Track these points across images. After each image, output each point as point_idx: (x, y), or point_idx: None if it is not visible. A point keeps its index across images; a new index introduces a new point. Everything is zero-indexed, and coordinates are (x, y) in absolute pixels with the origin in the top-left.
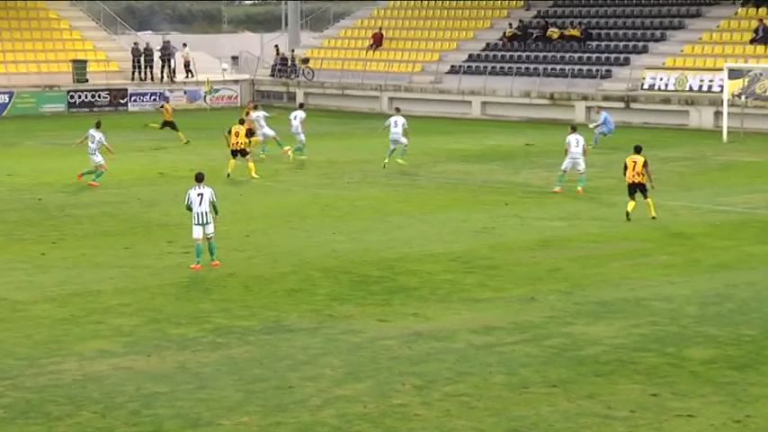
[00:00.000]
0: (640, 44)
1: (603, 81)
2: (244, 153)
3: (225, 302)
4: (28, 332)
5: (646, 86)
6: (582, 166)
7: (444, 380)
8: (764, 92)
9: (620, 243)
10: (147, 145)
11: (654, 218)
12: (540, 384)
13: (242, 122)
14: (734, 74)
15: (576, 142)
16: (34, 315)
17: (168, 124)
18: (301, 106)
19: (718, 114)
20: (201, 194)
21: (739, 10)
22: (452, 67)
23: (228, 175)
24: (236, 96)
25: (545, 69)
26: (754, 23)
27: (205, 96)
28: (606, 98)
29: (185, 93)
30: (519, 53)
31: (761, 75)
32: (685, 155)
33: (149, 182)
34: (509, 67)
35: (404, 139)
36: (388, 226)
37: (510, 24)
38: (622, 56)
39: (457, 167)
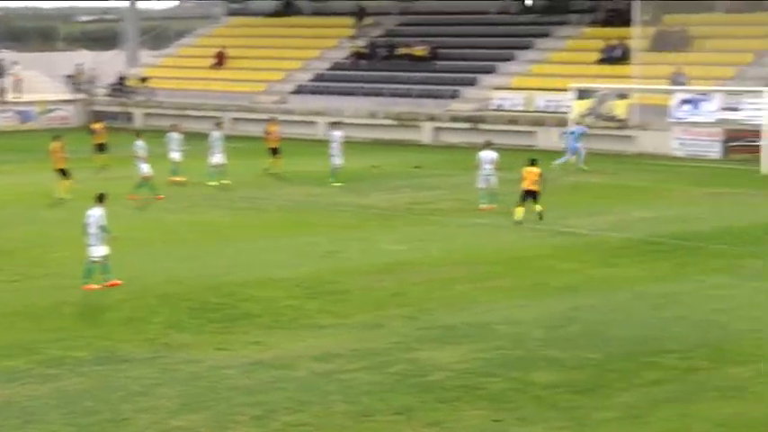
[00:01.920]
0: (488, 64)
1: (451, 101)
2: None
3: (57, 332)
4: None
5: (494, 107)
6: (494, 183)
7: (284, 409)
8: (611, 112)
9: (465, 266)
10: None
11: (541, 217)
12: (384, 412)
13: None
14: (581, 94)
15: (487, 158)
16: None
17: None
18: (139, 135)
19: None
20: (92, 216)
21: (586, 29)
22: (298, 86)
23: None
24: (71, 116)
25: (392, 89)
26: (601, 43)
27: (38, 116)
28: (453, 119)
29: (17, 113)
30: (366, 72)
31: (608, 95)
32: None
33: None
34: (355, 87)
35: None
36: (230, 251)
37: (355, 42)
38: (470, 76)
39: (301, 190)
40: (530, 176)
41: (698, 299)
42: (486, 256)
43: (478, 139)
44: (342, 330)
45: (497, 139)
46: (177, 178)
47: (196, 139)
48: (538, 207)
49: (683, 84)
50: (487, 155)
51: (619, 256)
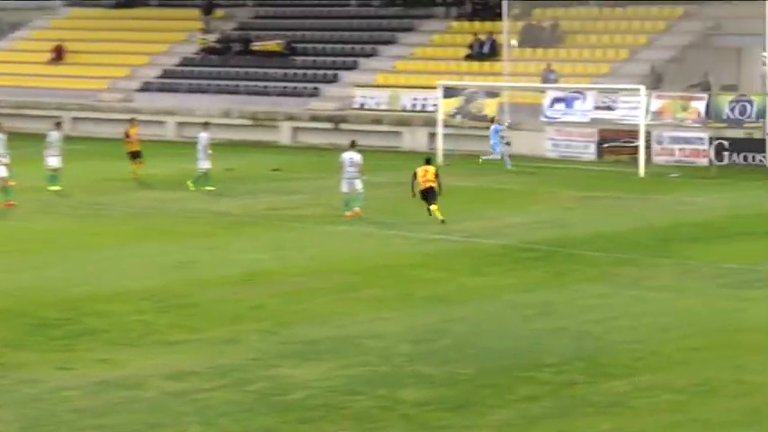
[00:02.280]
0: (350, 59)
1: (311, 100)
2: None
3: None
4: None
5: (356, 105)
6: (359, 186)
7: None
8: (480, 112)
9: (327, 276)
10: None
11: (443, 221)
12: None
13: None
14: (449, 92)
15: (349, 160)
16: None
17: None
18: None
19: (432, 136)
20: None
21: (453, 23)
22: (144, 83)
23: None
24: None
25: (247, 87)
26: (469, 38)
27: None
28: (314, 118)
29: None
30: (218, 69)
31: (476, 93)
32: (398, 179)
33: None
34: (207, 84)
35: None
36: (72, 262)
37: (205, 36)
38: (331, 72)
39: (149, 195)
40: (424, 174)
41: (573, 309)
42: (350, 265)
43: (341, 140)
44: (195, 346)
45: (361, 140)
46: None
47: (33, 140)
48: (437, 211)
49: (554, 81)
50: (351, 156)
51: (491, 264)
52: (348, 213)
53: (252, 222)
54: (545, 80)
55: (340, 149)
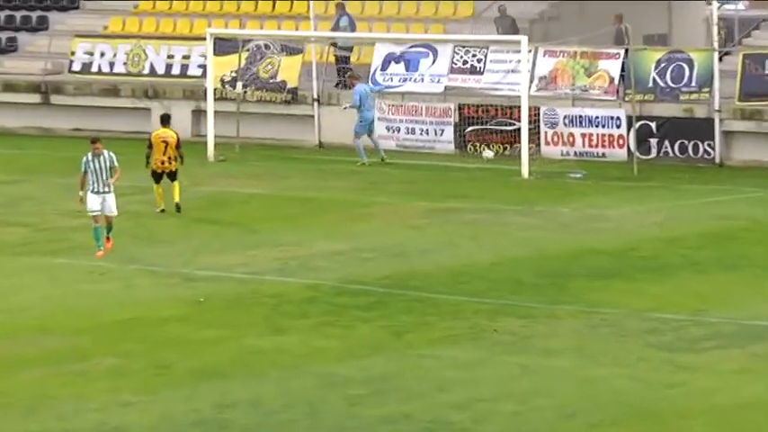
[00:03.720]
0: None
1: (2, 58)
2: None
3: None
4: None
5: (77, 67)
6: (113, 205)
7: None
8: (272, 75)
9: (34, 339)
10: None
11: (178, 205)
12: None
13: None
14: (224, 46)
15: (96, 162)
16: None
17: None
18: None
19: (199, 115)
20: None
21: None
22: None
23: None
24: None
25: None
26: None
27: None
28: (9, 87)
29: None
30: None
31: (267, 48)
32: (146, 184)
33: None
34: None
35: None
36: None
37: None
38: (35, 15)
39: None
40: (164, 148)
41: (424, 385)
42: (72, 320)
43: (55, 121)
44: None
45: (86, 122)
46: None
47: None
48: (177, 190)
49: (347, 29)
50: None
51: (295, 316)
52: (100, 251)
53: None
54: (335, 26)
55: (58, 137)
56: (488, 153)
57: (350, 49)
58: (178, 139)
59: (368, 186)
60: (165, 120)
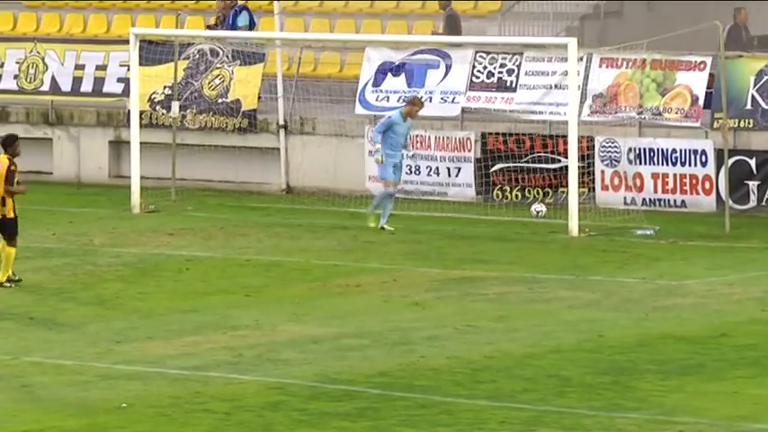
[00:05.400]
0: None
1: None
2: None
3: None
4: None
5: None
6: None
7: None
8: (222, 93)
9: None
10: None
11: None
12: None
13: None
14: (153, 52)
15: None
16: None
17: None
18: None
19: (120, 148)
20: None
21: None
22: None
23: None
24: None
25: None
26: None
27: None
28: None
29: None
30: None
31: (215, 54)
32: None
33: None
34: None
35: None
36: None
37: None
38: None
39: None
40: None
41: None
42: None
43: None
44: None
45: None
46: None
47: None
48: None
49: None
50: None
51: (254, 430)
52: None
53: None
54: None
55: None
56: (539, 207)
57: None
58: (8, 170)
59: (356, 247)
60: (9, 142)
